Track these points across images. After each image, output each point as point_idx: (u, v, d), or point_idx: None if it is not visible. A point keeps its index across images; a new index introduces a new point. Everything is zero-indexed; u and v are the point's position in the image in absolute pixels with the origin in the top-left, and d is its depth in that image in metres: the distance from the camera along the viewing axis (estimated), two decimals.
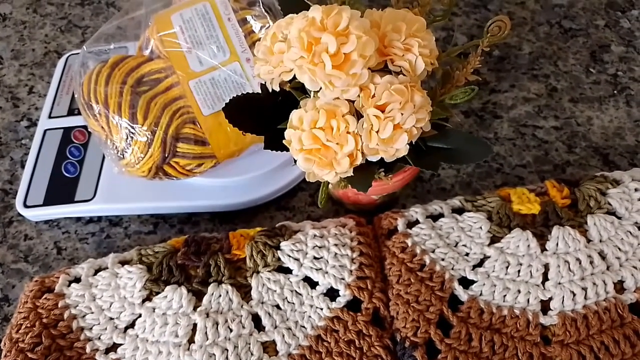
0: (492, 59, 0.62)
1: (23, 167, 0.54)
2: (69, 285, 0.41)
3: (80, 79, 0.44)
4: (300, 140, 0.33)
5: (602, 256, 0.41)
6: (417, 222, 0.44)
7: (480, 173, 0.53)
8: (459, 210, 0.45)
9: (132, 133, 0.41)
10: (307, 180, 0.34)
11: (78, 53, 0.59)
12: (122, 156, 0.43)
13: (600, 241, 0.42)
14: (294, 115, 0.33)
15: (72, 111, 0.54)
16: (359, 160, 0.33)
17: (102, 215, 0.50)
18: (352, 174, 0.33)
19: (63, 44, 0.64)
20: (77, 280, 0.41)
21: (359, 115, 0.33)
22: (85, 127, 0.52)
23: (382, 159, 0.34)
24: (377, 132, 0.32)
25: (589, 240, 0.42)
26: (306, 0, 0.39)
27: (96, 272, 0.41)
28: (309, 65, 0.30)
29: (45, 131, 0.53)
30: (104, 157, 0.50)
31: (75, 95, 0.44)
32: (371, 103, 0.32)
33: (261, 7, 0.43)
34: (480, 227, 0.43)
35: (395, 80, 0.32)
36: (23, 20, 0.67)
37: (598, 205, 0.44)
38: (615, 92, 0.59)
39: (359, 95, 0.32)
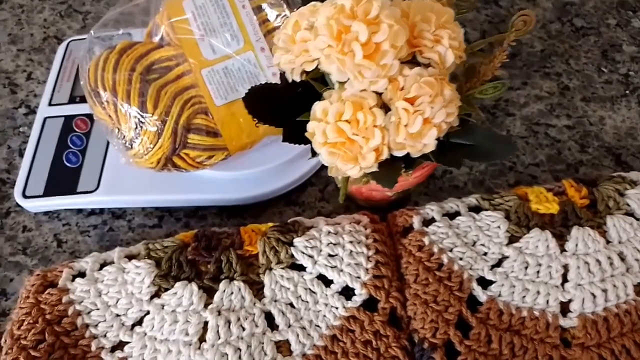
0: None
1: (21, 155, 0.52)
2: (73, 280, 0.39)
3: (86, 65, 0.42)
4: (324, 133, 0.31)
5: (622, 258, 0.40)
6: (433, 220, 0.43)
7: (493, 171, 0.52)
8: (476, 209, 0.44)
9: (142, 122, 0.40)
10: (329, 174, 0.33)
11: (80, 39, 0.57)
12: (130, 146, 0.41)
13: (620, 242, 0.41)
14: (318, 107, 0.32)
15: (74, 99, 0.52)
16: (385, 155, 0.31)
17: (104, 208, 0.48)
18: (377, 170, 0.32)
19: (63, 30, 0.62)
20: (82, 274, 0.40)
21: (386, 109, 0.31)
22: (87, 115, 0.50)
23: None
24: (405, 126, 0.31)
25: (608, 242, 0.41)
26: None
27: (101, 266, 0.40)
28: (337, 55, 0.29)
29: (45, 119, 0.51)
30: (107, 147, 0.48)
31: (81, 82, 0.42)
32: (400, 96, 0.30)
33: None
34: (499, 227, 0.42)
35: (425, 73, 0.31)
36: (21, 4, 0.64)
37: (617, 206, 0.43)
38: (627, 92, 0.58)
39: (386, 88, 0.31)
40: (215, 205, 0.48)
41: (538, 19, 0.65)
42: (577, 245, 0.41)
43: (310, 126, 0.32)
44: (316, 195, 0.50)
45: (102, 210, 0.48)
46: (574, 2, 0.66)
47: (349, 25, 0.29)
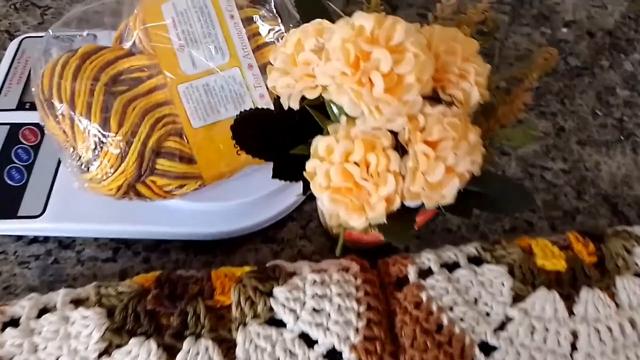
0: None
1: None
2: (3, 330, 0.32)
3: (40, 69, 0.35)
4: (327, 176, 0.26)
5: (633, 325, 0.37)
6: (430, 271, 0.38)
7: (488, 216, 0.48)
8: (476, 260, 0.39)
9: (102, 142, 0.33)
10: (329, 223, 0.28)
11: (35, 36, 0.50)
12: (86, 169, 0.35)
13: (630, 307, 0.38)
14: (321, 143, 0.27)
15: (23, 105, 0.45)
16: (396, 205, 0.27)
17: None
18: (385, 222, 0.27)
19: (17, 24, 0.55)
20: (15, 322, 0.33)
21: (401, 151, 0.27)
22: (38, 125, 0.43)
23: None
24: (423, 173, 0.26)
25: (617, 305, 0.38)
26: (330, 4, 0.33)
27: (41, 313, 0.33)
28: (352, 85, 0.24)
29: None
30: (58, 164, 0.41)
31: (32, 89, 0.36)
32: (420, 138, 0.25)
33: (272, 6, 0.37)
34: (502, 283, 0.37)
35: (449, 112, 0.26)
36: None
37: (626, 266, 0.39)
38: (621, 137, 0.56)
39: (404, 127, 0.26)
40: (181, 239, 0.42)
41: (532, 55, 0.62)
42: (586, 309, 0.37)
43: (311, 165, 0.27)
44: (297, 232, 0.45)
45: (46, 238, 0.41)
46: (568, 40, 0.64)
47: (369, 51, 0.24)
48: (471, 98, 0.27)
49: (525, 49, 0.63)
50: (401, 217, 0.27)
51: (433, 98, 0.28)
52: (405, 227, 0.27)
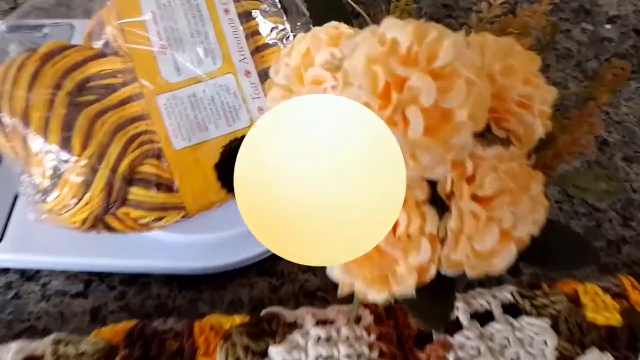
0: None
1: None
2: None
3: None
4: None
5: None
6: (457, 323, 0.32)
7: None
8: (512, 309, 0.33)
9: (61, 169, 0.27)
10: (339, 291, 0.22)
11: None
12: (43, 199, 0.28)
13: None
14: None
15: None
16: (431, 276, 0.20)
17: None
18: (414, 297, 0.20)
19: None
20: None
21: (439, 204, 0.20)
22: None
23: None
24: (469, 238, 0.19)
25: None
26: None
27: None
28: None
29: None
30: None
31: None
32: (467, 191, 0.19)
33: None
34: (545, 342, 0.31)
35: (506, 155, 0.20)
36: None
37: None
38: None
39: (446, 176, 0.19)
40: (162, 273, 0.36)
41: (572, 55, 0.55)
42: None
43: None
44: (299, 264, 0.38)
45: (7, 268, 0.35)
46: (612, 39, 0.57)
47: (405, 77, 0.17)
48: (535, 134, 0.21)
49: (565, 48, 0.56)
50: (435, 290, 0.21)
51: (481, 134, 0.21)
52: (441, 307, 0.21)
